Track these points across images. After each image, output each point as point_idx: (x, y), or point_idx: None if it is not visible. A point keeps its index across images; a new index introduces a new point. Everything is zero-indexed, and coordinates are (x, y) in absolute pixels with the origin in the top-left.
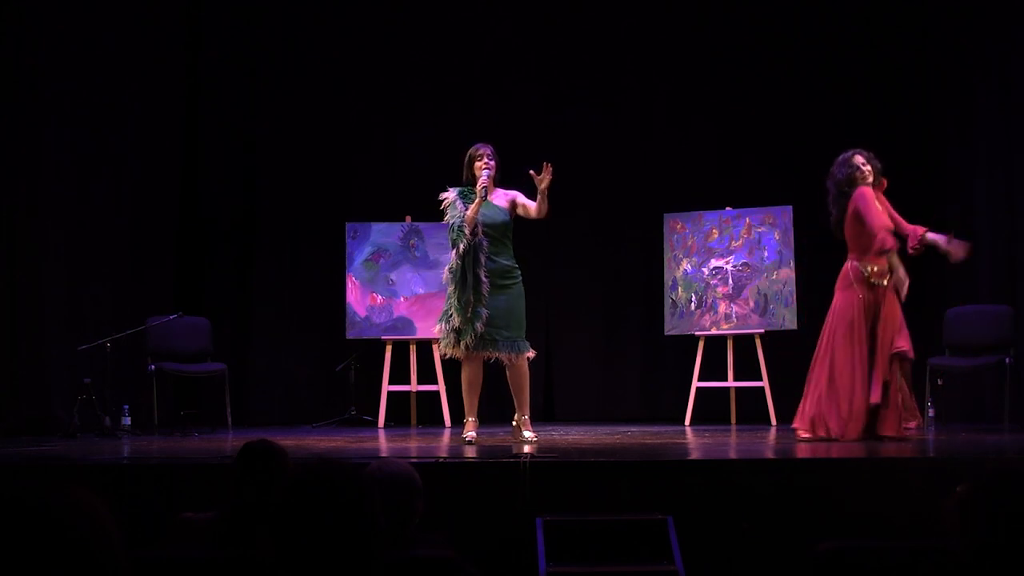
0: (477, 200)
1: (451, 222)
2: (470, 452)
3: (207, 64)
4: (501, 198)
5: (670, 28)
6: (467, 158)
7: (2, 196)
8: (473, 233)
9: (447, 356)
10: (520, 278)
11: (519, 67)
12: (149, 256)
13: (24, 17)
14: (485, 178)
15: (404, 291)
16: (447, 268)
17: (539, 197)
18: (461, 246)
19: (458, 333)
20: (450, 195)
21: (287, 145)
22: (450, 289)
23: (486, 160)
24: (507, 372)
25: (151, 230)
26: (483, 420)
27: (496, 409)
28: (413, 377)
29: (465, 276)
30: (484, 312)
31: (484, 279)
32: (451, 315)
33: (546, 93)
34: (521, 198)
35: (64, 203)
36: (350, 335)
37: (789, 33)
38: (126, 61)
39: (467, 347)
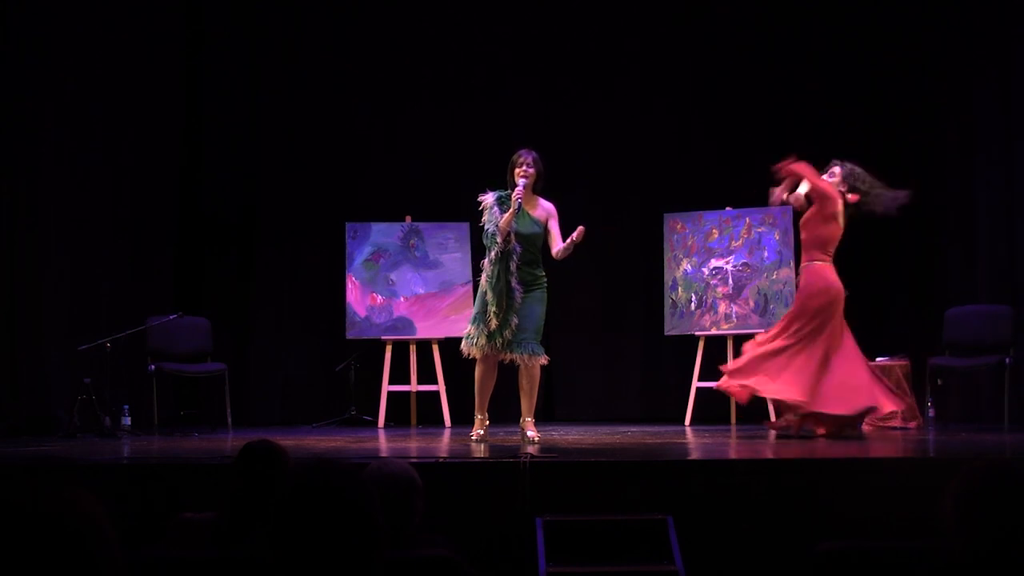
0: (511, 211)
1: (486, 227)
2: (470, 452)
3: (207, 64)
4: (539, 208)
5: (671, 28)
6: (509, 163)
7: (2, 196)
8: (506, 241)
9: (468, 355)
10: (545, 286)
11: (519, 67)
12: (149, 256)
13: (24, 17)
14: (520, 190)
15: (404, 291)
16: (484, 274)
17: (568, 244)
18: (493, 252)
19: (489, 336)
20: (488, 199)
21: (287, 145)
22: (489, 295)
23: (525, 168)
24: (519, 374)
25: (151, 230)
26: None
27: (499, 410)
28: (413, 377)
29: (499, 281)
30: (515, 320)
31: (516, 287)
32: (488, 319)
33: (546, 94)
34: (553, 222)
35: (64, 203)
36: (350, 335)
37: (790, 34)
38: (126, 61)
39: (493, 349)
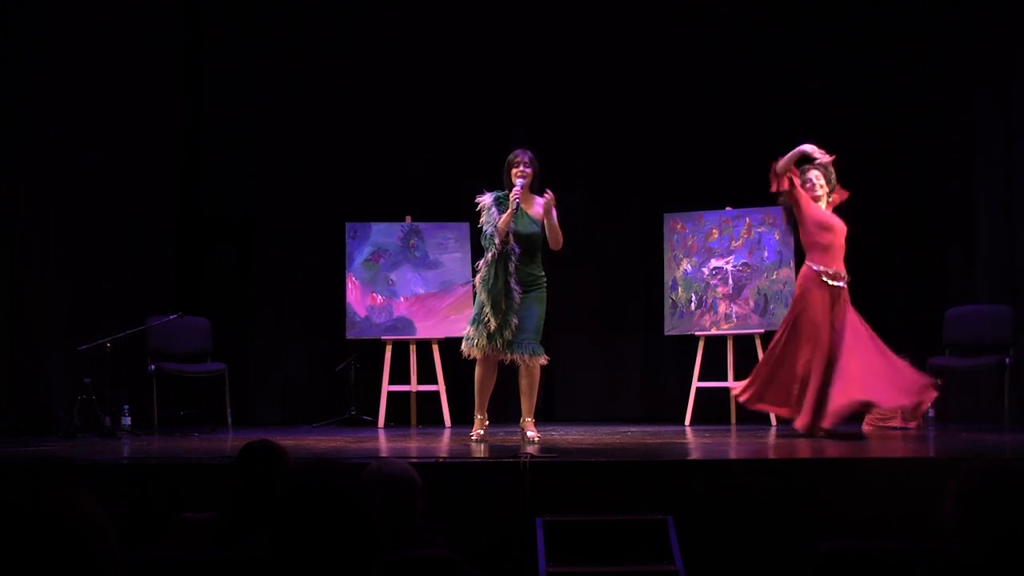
0: (509, 211)
1: (484, 228)
2: (470, 452)
3: (207, 64)
4: (536, 207)
5: (671, 28)
6: (506, 163)
7: (2, 196)
8: (504, 242)
9: (469, 356)
10: (544, 286)
11: (519, 67)
12: (149, 256)
13: (24, 17)
14: (518, 189)
15: (404, 291)
16: (479, 276)
17: (550, 224)
18: (491, 253)
19: (489, 337)
20: (486, 199)
21: (287, 145)
22: (483, 296)
23: (522, 168)
24: (519, 374)
25: (151, 230)
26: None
27: (499, 410)
28: (413, 377)
29: (497, 282)
30: (514, 320)
31: (515, 287)
32: (487, 320)
33: (546, 93)
34: (551, 215)
35: (64, 203)
36: (350, 335)
37: (790, 34)
38: (126, 61)
39: (493, 350)
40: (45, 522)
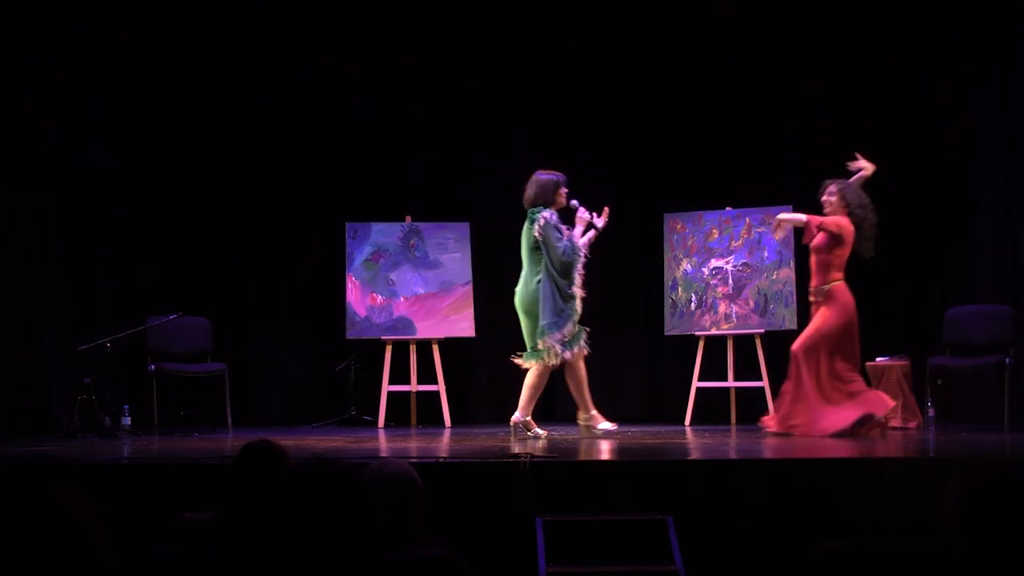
0: (585, 226)
1: (570, 243)
2: (470, 452)
3: (207, 64)
4: None
5: (671, 28)
6: (552, 183)
7: (2, 196)
8: None
9: (556, 364)
10: None
11: (519, 67)
12: (149, 256)
13: (24, 17)
14: (588, 214)
15: (404, 291)
16: (574, 290)
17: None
18: (580, 263)
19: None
20: (552, 217)
21: (287, 145)
22: (576, 307)
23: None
24: (579, 367)
25: (151, 230)
26: (482, 421)
27: (495, 411)
28: (413, 377)
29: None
30: None
31: None
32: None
33: (546, 94)
34: None
35: (64, 203)
36: (350, 335)
37: (790, 34)
38: (126, 61)
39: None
40: (33, 522)
